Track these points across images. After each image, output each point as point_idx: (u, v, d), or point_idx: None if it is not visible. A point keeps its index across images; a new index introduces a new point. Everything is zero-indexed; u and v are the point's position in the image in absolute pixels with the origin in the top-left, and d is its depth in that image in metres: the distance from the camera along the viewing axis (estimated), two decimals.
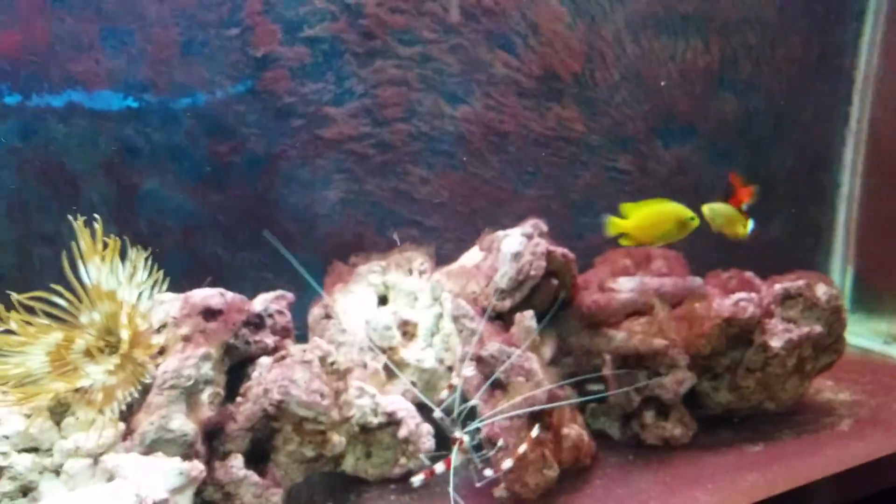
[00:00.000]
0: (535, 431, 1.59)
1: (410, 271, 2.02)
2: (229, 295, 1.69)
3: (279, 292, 1.83)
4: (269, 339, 1.73)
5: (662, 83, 2.70)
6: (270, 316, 1.76)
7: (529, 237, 1.85)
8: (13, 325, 1.43)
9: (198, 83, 2.24)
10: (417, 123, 2.42)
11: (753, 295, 2.01)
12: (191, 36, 2.20)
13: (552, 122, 2.57)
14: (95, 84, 2.14)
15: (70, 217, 1.61)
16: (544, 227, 1.93)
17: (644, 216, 1.99)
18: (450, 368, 1.83)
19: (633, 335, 1.91)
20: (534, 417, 1.66)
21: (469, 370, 1.66)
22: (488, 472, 1.56)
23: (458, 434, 1.56)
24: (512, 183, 2.55)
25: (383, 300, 2.00)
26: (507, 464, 1.54)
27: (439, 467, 1.52)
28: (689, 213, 2.01)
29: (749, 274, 2.20)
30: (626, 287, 1.96)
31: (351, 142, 2.37)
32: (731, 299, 1.99)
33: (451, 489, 1.51)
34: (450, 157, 2.47)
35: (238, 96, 2.27)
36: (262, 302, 1.76)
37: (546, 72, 2.54)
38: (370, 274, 2.00)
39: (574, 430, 1.76)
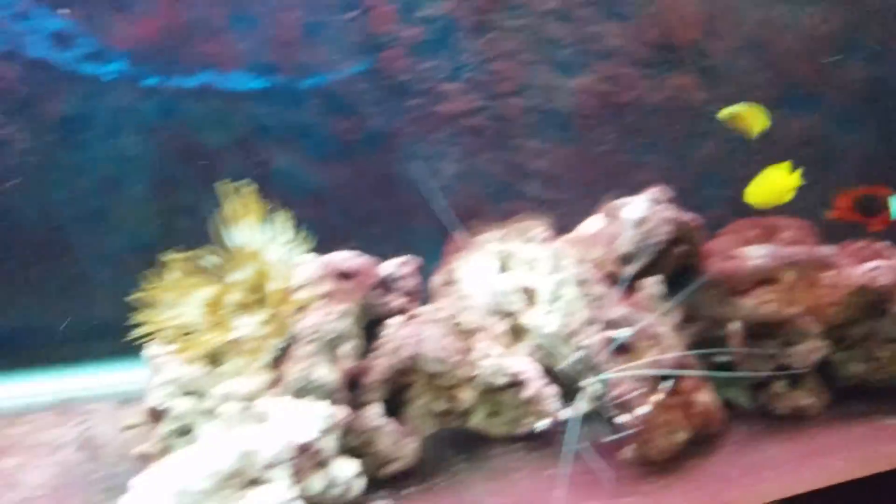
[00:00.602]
0: (668, 384, 1.58)
1: (529, 240, 2.04)
2: (362, 258, 1.78)
3: (407, 257, 1.90)
4: (399, 301, 1.80)
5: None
6: (399, 279, 1.83)
7: (655, 202, 1.84)
8: (176, 277, 1.56)
9: (321, 64, 2.35)
10: (531, 96, 2.44)
11: (888, 263, 1.93)
12: (313, 18, 2.31)
13: (670, 92, 2.52)
14: (227, 66, 2.29)
15: (217, 185, 1.71)
16: (669, 194, 1.92)
17: None
18: (571, 334, 1.84)
19: (763, 303, 1.86)
20: (662, 381, 1.66)
21: (595, 334, 1.67)
22: (623, 418, 1.55)
23: (586, 381, 1.57)
24: (628, 154, 2.53)
25: (503, 268, 2.03)
26: (643, 409, 1.54)
27: (564, 413, 1.54)
28: None
29: (882, 244, 2.10)
30: (756, 254, 1.91)
31: (465, 116, 2.42)
32: (864, 267, 1.91)
33: (568, 439, 1.51)
34: (564, 129, 2.48)
35: (358, 75, 2.37)
36: (391, 266, 1.83)
37: (664, 41, 2.50)
38: (489, 242, 2.04)
39: (703, 397, 1.74)
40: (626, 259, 1.81)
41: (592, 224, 1.94)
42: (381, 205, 2.41)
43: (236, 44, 2.28)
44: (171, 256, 1.63)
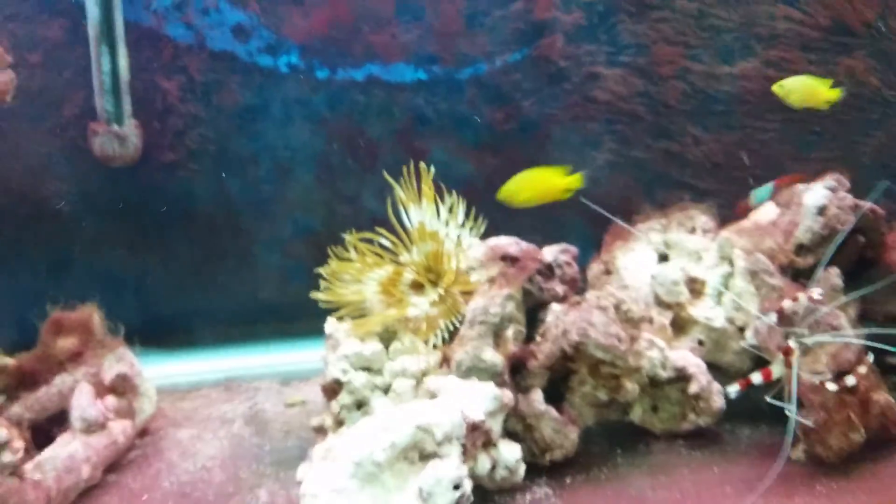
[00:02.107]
0: (863, 369, 1.51)
1: (693, 230, 1.98)
2: (524, 244, 1.78)
3: (564, 245, 1.89)
4: (559, 288, 1.79)
5: None
6: (560, 266, 1.82)
7: (834, 190, 1.73)
8: (354, 256, 1.64)
9: (479, 54, 2.38)
10: (692, 81, 2.36)
11: None
12: (475, 9, 2.34)
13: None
14: (391, 57, 2.37)
15: (385, 173, 1.77)
16: (846, 182, 1.80)
17: None
18: (741, 329, 1.77)
19: None
20: (840, 377, 1.57)
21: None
22: (832, 386, 1.50)
23: (791, 343, 1.51)
24: (793, 144, 2.40)
25: (664, 258, 1.99)
26: (850, 380, 1.48)
27: (756, 377, 1.50)
28: None
29: None
30: None
31: (622, 102, 2.37)
32: None
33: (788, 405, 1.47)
34: (726, 116, 2.38)
35: (515, 64, 2.38)
36: (551, 252, 1.83)
37: (835, 23, 2.34)
38: (650, 232, 2.00)
39: (883, 397, 1.62)
40: (802, 249, 1.72)
41: (766, 213, 1.85)
42: None
43: (401, 35, 2.35)
44: (350, 236, 1.70)
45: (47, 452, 1.64)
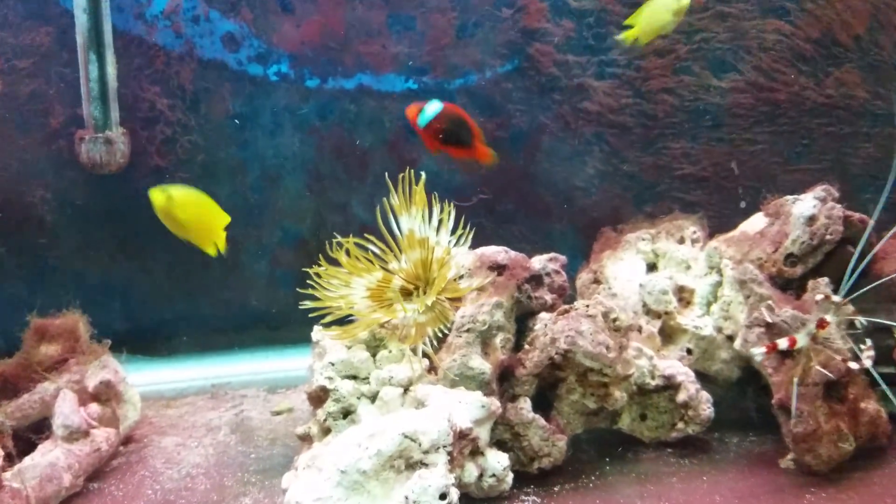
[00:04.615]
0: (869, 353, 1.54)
1: (682, 239, 1.99)
2: (512, 252, 1.78)
3: (553, 254, 1.88)
4: (548, 297, 1.78)
5: None
6: (548, 275, 1.81)
7: (823, 200, 1.74)
8: (343, 260, 1.63)
9: (470, 64, 2.39)
10: (681, 94, 2.37)
11: None
12: (466, 19, 2.35)
13: (830, 90, 2.39)
14: (382, 67, 2.37)
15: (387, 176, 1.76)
16: (836, 193, 1.81)
17: None
18: (729, 338, 1.77)
19: None
20: (829, 389, 1.56)
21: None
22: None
23: (828, 317, 1.53)
24: (782, 156, 2.41)
25: (652, 268, 1.99)
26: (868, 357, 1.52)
27: (782, 343, 1.52)
28: None
29: None
30: None
31: (612, 114, 2.38)
32: None
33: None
34: (714, 129, 2.39)
35: (505, 74, 2.39)
36: (540, 261, 1.82)
37: (825, 36, 2.37)
38: (639, 241, 2.00)
39: (871, 406, 1.62)
40: (791, 259, 1.72)
41: (754, 223, 1.86)
42: (522, 203, 2.41)
43: (392, 46, 2.35)
44: (338, 241, 1.69)
45: (28, 460, 1.61)
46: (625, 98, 2.37)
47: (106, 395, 1.80)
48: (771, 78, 2.36)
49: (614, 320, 1.67)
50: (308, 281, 1.71)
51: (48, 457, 1.62)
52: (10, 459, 1.60)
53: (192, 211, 1.81)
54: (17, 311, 1.88)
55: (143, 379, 2.15)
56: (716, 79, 2.37)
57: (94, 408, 1.76)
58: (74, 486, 1.62)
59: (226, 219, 1.86)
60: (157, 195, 1.78)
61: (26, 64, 2.27)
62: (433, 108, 1.87)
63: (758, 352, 1.55)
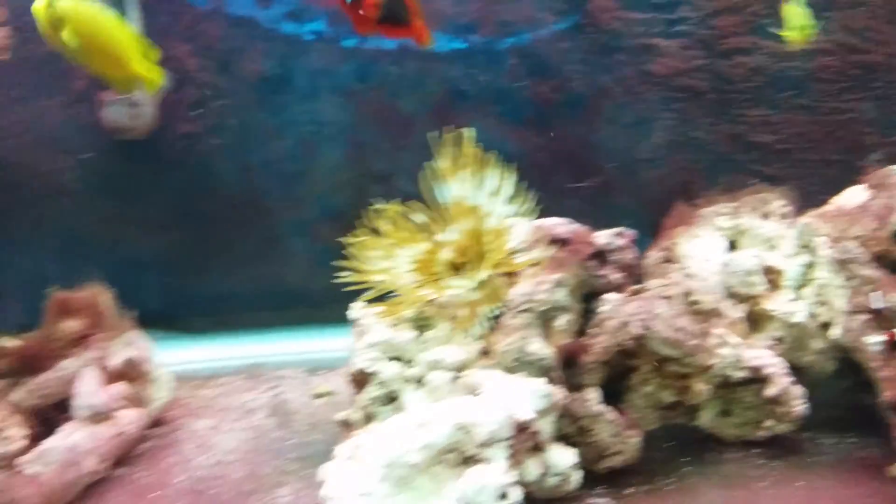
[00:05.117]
0: None
1: (766, 215, 1.78)
2: (575, 225, 1.62)
3: (620, 228, 1.70)
4: (615, 275, 1.61)
5: None
6: (615, 251, 1.64)
7: None
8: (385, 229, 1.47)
9: (522, 21, 2.21)
10: (760, 56, 2.15)
11: None
12: None
13: None
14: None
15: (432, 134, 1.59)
16: None
17: None
18: (824, 325, 1.57)
19: None
20: None
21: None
22: None
23: None
24: (876, 125, 2.18)
25: (734, 245, 1.79)
26: None
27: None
28: None
29: None
30: None
31: (682, 77, 2.18)
32: None
33: None
34: (797, 94, 2.17)
35: (562, 33, 2.21)
36: (606, 236, 1.65)
37: None
38: (718, 217, 1.80)
39: None
40: None
41: (853, 196, 1.65)
42: (580, 175, 2.23)
43: (436, 1, 2.18)
44: (380, 208, 1.53)
45: (48, 443, 1.52)
46: (696, 59, 2.16)
47: (132, 373, 1.69)
48: (863, 36, 2.13)
49: (695, 303, 1.48)
50: (346, 249, 1.56)
51: (69, 440, 1.52)
52: (35, 440, 1.51)
53: (90, 32, 1.42)
54: (41, 285, 1.78)
55: (174, 358, 2.05)
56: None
57: (119, 387, 1.65)
58: (97, 472, 1.52)
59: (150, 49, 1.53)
60: (39, 9, 1.41)
61: None
62: None
63: (874, 340, 1.35)
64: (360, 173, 2.26)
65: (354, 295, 1.60)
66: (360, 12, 1.56)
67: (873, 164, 1.67)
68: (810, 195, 1.89)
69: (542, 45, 2.20)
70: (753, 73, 2.16)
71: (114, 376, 1.67)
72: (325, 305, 2.31)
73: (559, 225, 1.60)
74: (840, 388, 1.60)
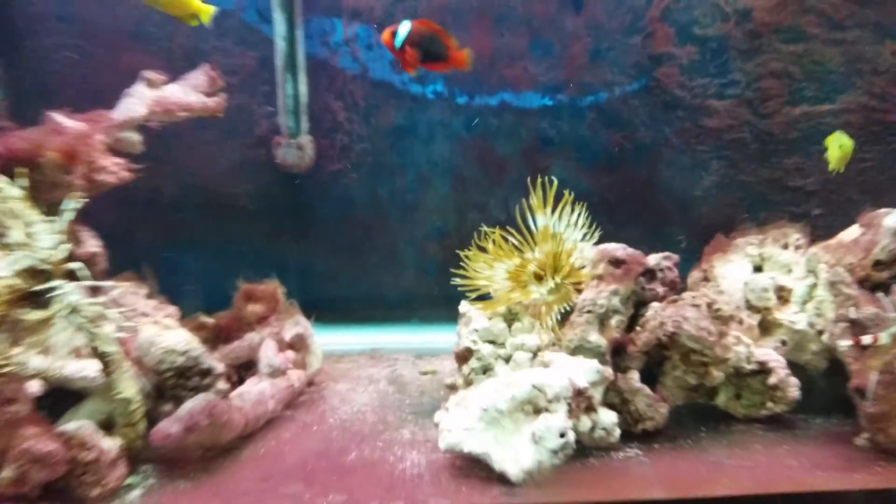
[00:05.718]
0: None
1: (786, 245, 2.23)
2: (630, 249, 2.10)
3: (667, 253, 2.18)
4: (660, 289, 2.09)
5: None
6: (662, 270, 2.12)
7: None
8: (489, 248, 2.03)
9: (600, 83, 2.72)
10: (795, 114, 2.59)
11: None
12: (598, 44, 2.69)
13: None
14: (522, 86, 2.75)
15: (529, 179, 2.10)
16: None
17: None
18: (820, 332, 2.01)
19: None
20: None
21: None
22: None
23: None
24: (891, 173, 2.57)
25: (758, 270, 2.24)
26: None
27: (867, 339, 1.78)
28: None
29: None
30: None
31: (730, 131, 2.64)
32: None
33: None
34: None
35: (633, 93, 2.70)
36: (655, 259, 2.13)
37: None
38: (748, 246, 2.26)
39: None
40: (879, 265, 1.94)
41: (851, 232, 2.08)
42: (642, 209, 2.71)
43: (532, 68, 2.73)
44: (486, 231, 2.07)
45: (243, 388, 2.10)
46: (743, 116, 2.62)
47: (298, 345, 2.29)
48: (884, 98, 2.53)
49: (717, 310, 1.96)
50: (450, 268, 2.09)
51: (258, 387, 2.10)
52: (234, 386, 2.11)
53: None
54: (226, 280, 2.38)
55: (318, 340, 2.54)
56: (829, 101, 2.56)
57: (290, 354, 2.25)
58: (276, 412, 2.09)
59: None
60: None
61: (235, 81, 2.83)
62: (404, 28, 1.95)
63: (844, 343, 1.79)
64: (462, 203, 2.83)
65: (447, 301, 2.13)
66: (404, 55, 1.93)
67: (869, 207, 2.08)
68: (833, 230, 2.32)
69: (617, 103, 2.71)
70: (789, 128, 2.60)
71: (285, 346, 2.27)
72: (428, 308, 2.89)
73: (618, 249, 2.08)
74: (830, 382, 2.04)
